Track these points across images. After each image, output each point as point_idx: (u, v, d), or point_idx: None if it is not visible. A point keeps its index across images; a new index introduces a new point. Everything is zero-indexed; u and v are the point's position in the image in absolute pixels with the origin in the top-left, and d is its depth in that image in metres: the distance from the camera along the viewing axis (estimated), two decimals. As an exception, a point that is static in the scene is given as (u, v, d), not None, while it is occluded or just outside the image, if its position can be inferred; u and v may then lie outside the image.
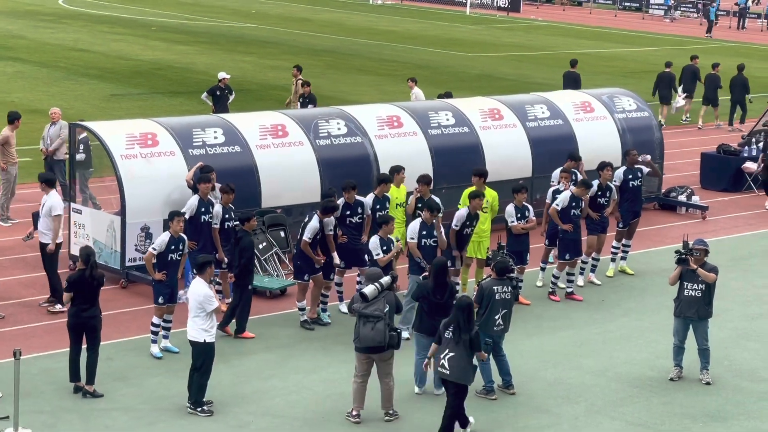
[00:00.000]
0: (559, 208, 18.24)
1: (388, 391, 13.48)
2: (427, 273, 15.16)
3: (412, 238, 16.07)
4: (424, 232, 16.11)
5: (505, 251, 15.07)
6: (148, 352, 15.24)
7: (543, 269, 18.95)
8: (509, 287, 14.20)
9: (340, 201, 17.12)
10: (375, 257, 15.71)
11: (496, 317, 14.11)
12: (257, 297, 17.77)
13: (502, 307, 14.14)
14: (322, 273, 16.59)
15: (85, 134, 20.43)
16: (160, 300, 15.20)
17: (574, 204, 18.26)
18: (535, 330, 16.62)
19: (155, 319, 15.28)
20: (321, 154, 19.98)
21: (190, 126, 19.47)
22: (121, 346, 15.52)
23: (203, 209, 16.94)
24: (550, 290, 18.36)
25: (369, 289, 13.23)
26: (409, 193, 18.19)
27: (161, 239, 15.25)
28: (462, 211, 17.09)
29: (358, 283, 16.83)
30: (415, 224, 16.21)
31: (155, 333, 15.31)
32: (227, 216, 16.77)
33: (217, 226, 16.66)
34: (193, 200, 17.00)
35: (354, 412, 13.51)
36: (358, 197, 17.19)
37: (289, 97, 29.50)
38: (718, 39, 60.47)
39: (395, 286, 13.69)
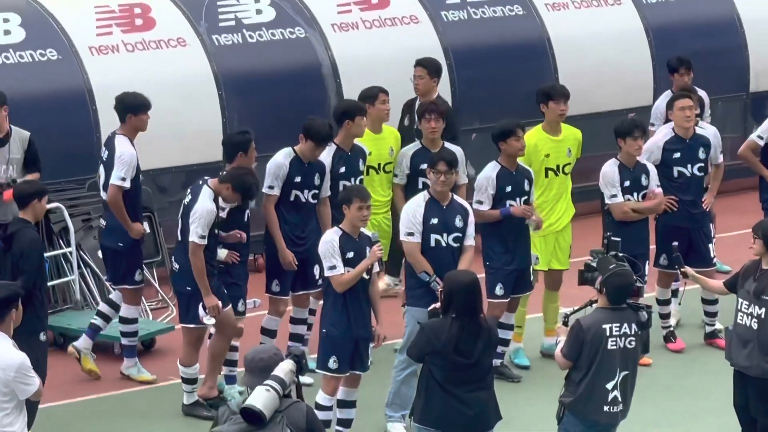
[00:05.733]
0: (762, 143, 11.61)
1: None
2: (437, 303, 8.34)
3: (411, 233, 9.96)
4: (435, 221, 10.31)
5: (618, 251, 8.84)
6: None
7: (674, 292, 11.41)
8: (637, 324, 8.21)
9: None
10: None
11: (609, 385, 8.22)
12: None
13: (622, 367, 8.32)
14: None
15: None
16: None
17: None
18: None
19: None
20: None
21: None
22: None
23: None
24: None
25: (260, 398, 6.28)
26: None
27: None
28: (488, 170, 10.38)
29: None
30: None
31: None
32: None
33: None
34: None
35: None
36: None
37: None
38: None
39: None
